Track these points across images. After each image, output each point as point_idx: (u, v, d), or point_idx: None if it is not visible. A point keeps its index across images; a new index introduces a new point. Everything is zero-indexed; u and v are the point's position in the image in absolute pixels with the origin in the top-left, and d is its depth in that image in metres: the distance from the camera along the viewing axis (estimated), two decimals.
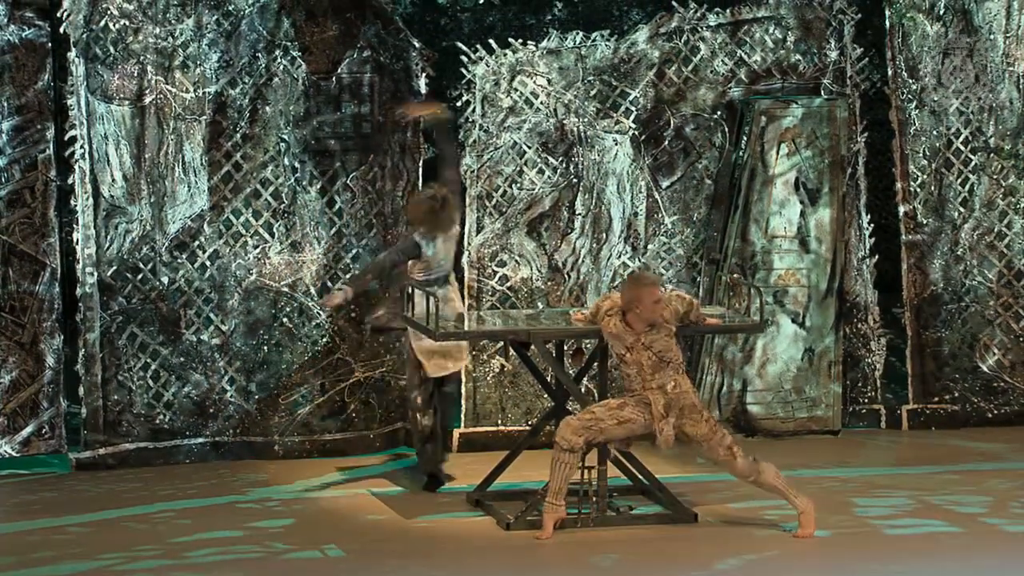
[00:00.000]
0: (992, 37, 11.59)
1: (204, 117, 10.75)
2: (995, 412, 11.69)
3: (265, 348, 10.92)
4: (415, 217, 9.98)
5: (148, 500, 9.98)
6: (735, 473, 9.27)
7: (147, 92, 10.65)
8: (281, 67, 10.86)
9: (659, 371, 9.16)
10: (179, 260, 10.78)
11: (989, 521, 9.48)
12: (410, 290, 9.79)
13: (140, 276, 10.73)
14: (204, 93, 10.74)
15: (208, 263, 10.84)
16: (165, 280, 10.76)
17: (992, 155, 11.66)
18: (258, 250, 10.90)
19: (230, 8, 10.74)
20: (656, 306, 9.11)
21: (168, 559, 8.86)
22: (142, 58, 10.64)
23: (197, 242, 10.81)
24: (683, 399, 9.17)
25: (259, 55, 10.82)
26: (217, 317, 10.84)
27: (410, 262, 9.98)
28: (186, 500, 9.93)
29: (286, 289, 10.92)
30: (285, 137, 10.90)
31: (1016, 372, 11.69)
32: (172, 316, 10.77)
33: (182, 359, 10.80)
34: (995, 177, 11.66)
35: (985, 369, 11.69)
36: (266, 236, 10.92)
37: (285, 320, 10.94)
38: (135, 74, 10.64)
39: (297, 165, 10.94)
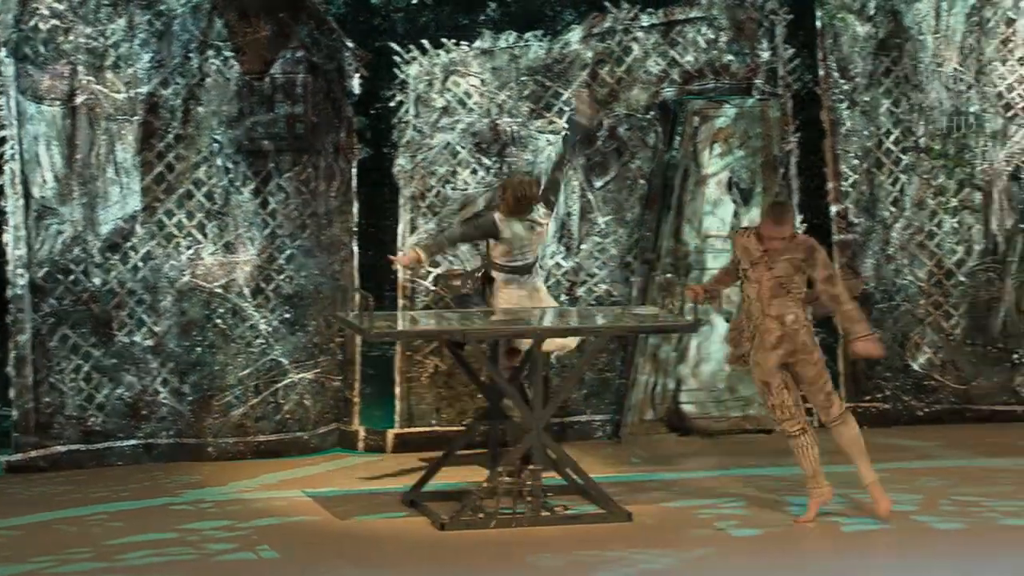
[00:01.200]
0: (922, 38, 11.68)
1: (136, 117, 10.70)
2: (925, 410, 11.78)
3: (198, 349, 10.88)
4: (506, 191, 10.18)
5: (81, 503, 9.92)
6: (827, 420, 9.38)
7: (78, 92, 10.59)
8: (214, 67, 10.81)
9: (777, 297, 9.26)
10: (111, 261, 10.72)
11: (919, 519, 9.55)
12: (492, 273, 10.18)
13: (72, 277, 10.66)
14: (136, 93, 10.68)
15: (141, 264, 10.78)
16: (97, 281, 10.70)
17: (922, 155, 11.75)
18: (191, 251, 10.86)
19: (162, 8, 10.69)
20: (778, 235, 9.22)
21: (101, 562, 8.81)
22: (73, 58, 10.57)
23: (130, 243, 10.75)
24: (799, 335, 9.27)
25: (191, 55, 10.77)
26: (150, 318, 10.79)
27: (490, 242, 10.19)
28: (119, 502, 9.88)
29: (219, 290, 10.88)
30: (218, 138, 10.86)
31: (946, 371, 11.79)
32: (104, 317, 10.71)
33: (115, 361, 10.74)
34: (925, 177, 11.75)
35: (916, 368, 11.78)
36: (199, 237, 10.87)
37: (219, 321, 10.90)
38: (66, 74, 10.57)
39: (230, 166, 10.90)
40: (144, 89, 10.69)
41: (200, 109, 10.80)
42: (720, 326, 11.41)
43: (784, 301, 9.30)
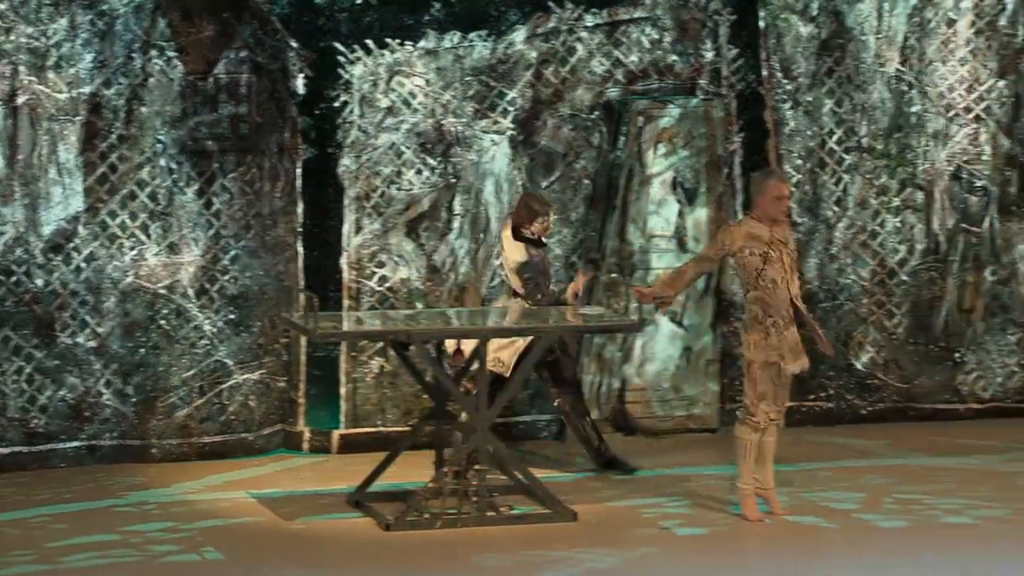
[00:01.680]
0: (864, 38, 11.74)
1: (78, 118, 10.64)
2: (869, 409, 11.85)
3: (142, 350, 10.83)
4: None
5: (23, 505, 9.86)
6: (776, 418, 9.45)
7: (20, 92, 10.52)
8: (157, 67, 10.77)
9: (794, 277, 9.36)
10: (54, 262, 10.66)
11: (863, 517, 9.61)
12: None
13: (14, 279, 10.59)
14: (78, 94, 10.62)
15: (84, 265, 10.72)
16: (40, 282, 10.63)
17: (865, 155, 11.82)
18: (135, 252, 10.81)
19: (104, 8, 10.63)
20: (777, 201, 9.34)
21: (43, 564, 8.76)
22: (14, 58, 10.50)
23: (72, 244, 10.70)
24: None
25: (134, 55, 10.72)
26: (93, 320, 10.73)
27: None
28: (62, 504, 9.82)
29: (163, 291, 10.83)
30: (161, 138, 10.81)
31: (889, 370, 11.86)
32: (47, 319, 10.65)
33: (57, 362, 10.68)
34: (868, 176, 11.82)
35: (859, 367, 11.85)
36: (143, 238, 10.82)
37: (162, 322, 10.85)
38: (7, 74, 10.50)
39: (174, 166, 10.86)
40: (86, 89, 10.64)
41: (143, 109, 10.76)
42: (665, 326, 11.44)
43: (798, 282, 9.42)
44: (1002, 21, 11.86)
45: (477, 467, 9.45)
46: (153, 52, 10.75)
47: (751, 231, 9.38)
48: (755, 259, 9.32)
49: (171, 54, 10.78)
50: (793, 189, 11.72)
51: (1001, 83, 11.87)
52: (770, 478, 9.53)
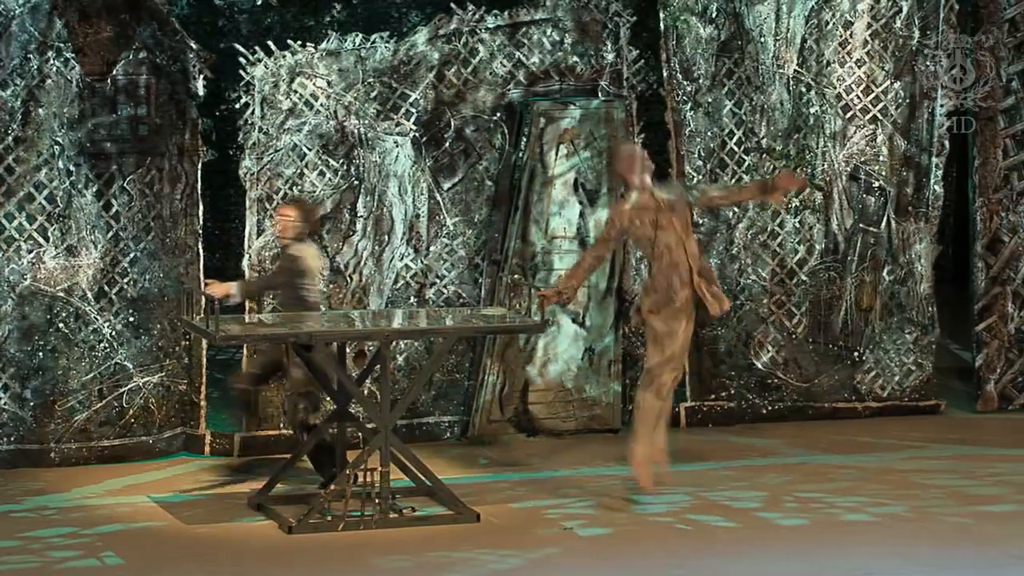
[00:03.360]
0: (763, 40, 11.84)
1: None
2: (769, 408, 11.95)
3: (40, 354, 10.72)
4: None
5: None
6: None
7: None
8: (54, 69, 10.66)
9: (689, 236, 9.53)
10: None
11: (764, 515, 9.68)
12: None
13: None
14: None
15: None
16: None
17: (764, 155, 11.91)
18: (32, 254, 10.70)
19: (0, 8, 10.52)
20: (631, 162, 9.63)
21: None
22: None
23: None
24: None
25: (31, 56, 10.61)
26: None
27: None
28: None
29: (62, 294, 10.72)
30: (59, 140, 10.71)
31: (788, 369, 11.96)
32: None
33: None
34: (767, 177, 11.91)
35: (759, 366, 11.94)
36: (41, 240, 10.72)
37: (61, 325, 10.75)
38: None
39: (72, 168, 10.75)
40: None
41: (40, 111, 10.65)
42: (567, 327, 11.47)
43: (692, 240, 9.57)
44: (897, 23, 11.99)
45: (380, 469, 9.43)
46: (50, 53, 10.64)
47: (636, 204, 9.60)
48: (646, 228, 9.50)
49: (69, 55, 10.68)
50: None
51: (897, 84, 12.00)
52: (663, 439, 9.66)
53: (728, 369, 11.86)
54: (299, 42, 11.17)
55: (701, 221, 11.79)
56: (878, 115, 11.98)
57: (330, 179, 11.19)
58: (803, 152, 11.93)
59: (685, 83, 11.74)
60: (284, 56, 11.08)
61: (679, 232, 9.57)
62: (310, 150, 11.14)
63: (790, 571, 8.76)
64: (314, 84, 11.12)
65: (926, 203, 12.09)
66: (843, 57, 11.93)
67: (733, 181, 11.84)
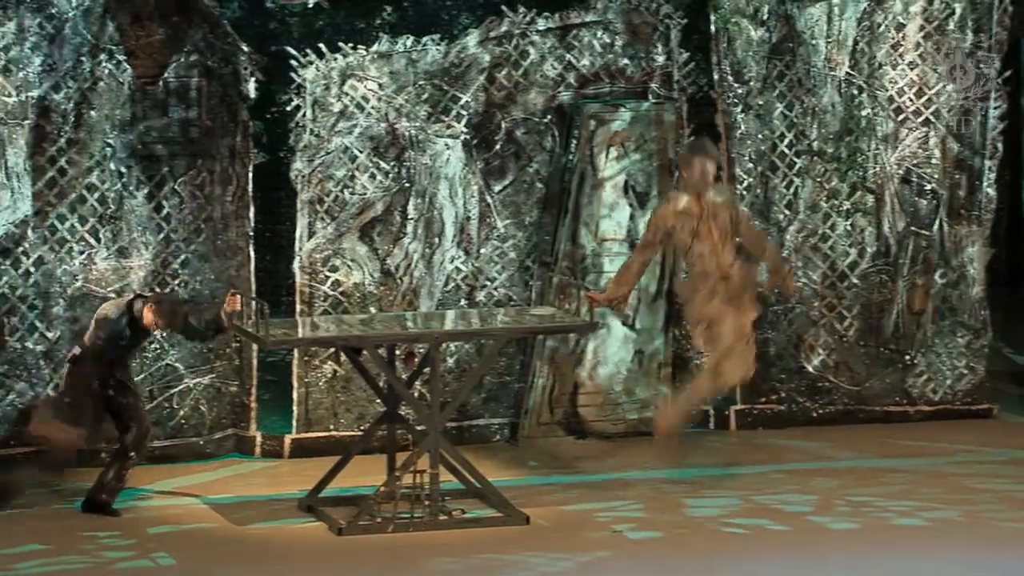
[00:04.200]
0: (814, 42, 11.79)
1: (27, 121, 10.57)
2: (819, 412, 11.89)
3: None
4: None
5: None
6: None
7: None
8: (106, 71, 10.71)
9: (727, 244, 9.55)
10: (3, 266, 10.59)
11: (815, 519, 9.64)
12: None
13: None
14: (27, 97, 10.56)
15: (32, 269, 10.66)
16: None
17: (815, 158, 11.87)
18: (84, 256, 10.75)
19: (53, 11, 10.58)
20: (701, 175, 9.62)
21: None
22: None
23: (21, 248, 10.63)
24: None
25: (83, 59, 10.66)
26: (42, 324, 10.67)
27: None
28: (12, 510, 9.74)
29: (113, 295, 10.76)
30: (111, 142, 10.76)
31: (839, 372, 11.91)
32: None
33: (6, 367, 10.61)
34: (818, 180, 11.87)
35: (810, 369, 11.89)
36: (92, 242, 10.77)
37: None
38: None
39: (124, 170, 10.80)
40: (35, 93, 10.57)
41: (92, 113, 10.70)
42: (617, 329, 11.46)
43: (731, 248, 9.57)
44: (950, 25, 11.92)
45: (430, 471, 9.43)
46: (103, 56, 10.69)
47: (680, 208, 9.63)
48: (684, 236, 9.57)
49: (121, 58, 10.73)
50: (744, 192, 11.76)
51: (950, 87, 11.93)
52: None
53: (778, 372, 11.82)
54: (350, 44, 11.19)
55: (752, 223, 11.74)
56: (930, 118, 11.92)
57: (381, 181, 11.20)
58: (854, 155, 11.88)
59: (736, 85, 11.71)
60: (335, 58, 11.10)
61: (715, 241, 9.55)
62: (361, 152, 11.16)
63: None
64: (365, 86, 11.14)
65: (979, 206, 12.02)
66: (895, 59, 11.86)
67: (784, 184, 11.80)
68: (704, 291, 9.62)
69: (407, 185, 11.23)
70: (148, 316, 9.64)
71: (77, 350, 9.84)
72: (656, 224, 9.85)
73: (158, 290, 10.78)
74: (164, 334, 10.60)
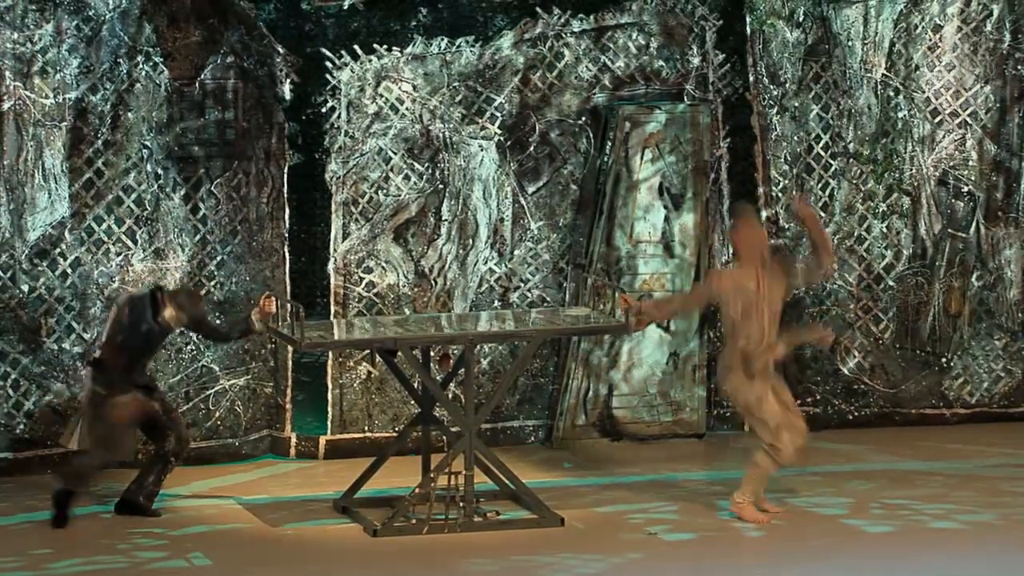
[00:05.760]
0: (850, 43, 11.76)
1: (64, 123, 10.62)
2: (855, 414, 11.86)
3: None
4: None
5: (9, 512, 9.85)
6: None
7: (5, 98, 10.50)
8: (143, 73, 10.76)
9: (772, 325, 9.37)
10: (40, 268, 10.64)
11: (850, 522, 9.61)
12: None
13: None
14: (64, 99, 10.60)
15: (69, 271, 10.70)
16: (25, 288, 10.61)
17: (851, 160, 11.83)
18: (121, 257, 10.79)
19: (90, 13, 10.62)
20: (751, 248, 9.39)
21: (30, 571, 8.75)
22: (0, 64, 10.48)
23: (58, 249, 10.68)
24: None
25: (120, 61, 10.71)
26: (79, 325, 10.71)
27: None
28: (47, 512, 9.78)
29: None
30: (148, 143, 10.80)
31: (875, 374, 11.87)
32: (33, 325, 10.63)
33: (43, 368, 10.65)
34: (854, 182, 11.83)
35: (846, 372, 11.86)
36: (129, 243, 10.81)
37: None
38: None
39: (160, 171, 10.84)
40: (72, 95, 10.62)
41: (129, 115, 10.74)
42: (652, 331, 11.44)
43: (776, 329, 9.44)
44: (988, 27, 11.88)
45: (464, 472, 9.44)
46: (139, 57, 10.73)
47: (739, 281, 9.42)
48: (735, 312, 9.35)
49: (157, 59, 10.77)
50: (780, 194, 11.73)
51: (987, 88, 11.89)
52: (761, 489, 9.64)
53: (814, 375, 11.79)
54: (385, 46, 11.21)
55: (787, 226, 11.73)
56: (967, 119, 11.87)
57: (415, 183, 11.22)
58: (891, 157, 11.84)
59: (771, 87, 11.68)
60: (370, 60, 11.12)
61: (764, 325, 9.37)
62: (395, 154, 11.18)
63: None
64: (400, 88, 11.15)
65: (1016, 208, 11.97)
66: (932, 61, 11.82)
67: (820, 186, 11.77)
68: (743, 372, 9.41)
69: (441, 187, 11.25)
70: (168, 307, 9.65)
71: (97, 352, 9.88)
72: (711, 287, 9.58)
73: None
74: (199, 336, 10.64)
